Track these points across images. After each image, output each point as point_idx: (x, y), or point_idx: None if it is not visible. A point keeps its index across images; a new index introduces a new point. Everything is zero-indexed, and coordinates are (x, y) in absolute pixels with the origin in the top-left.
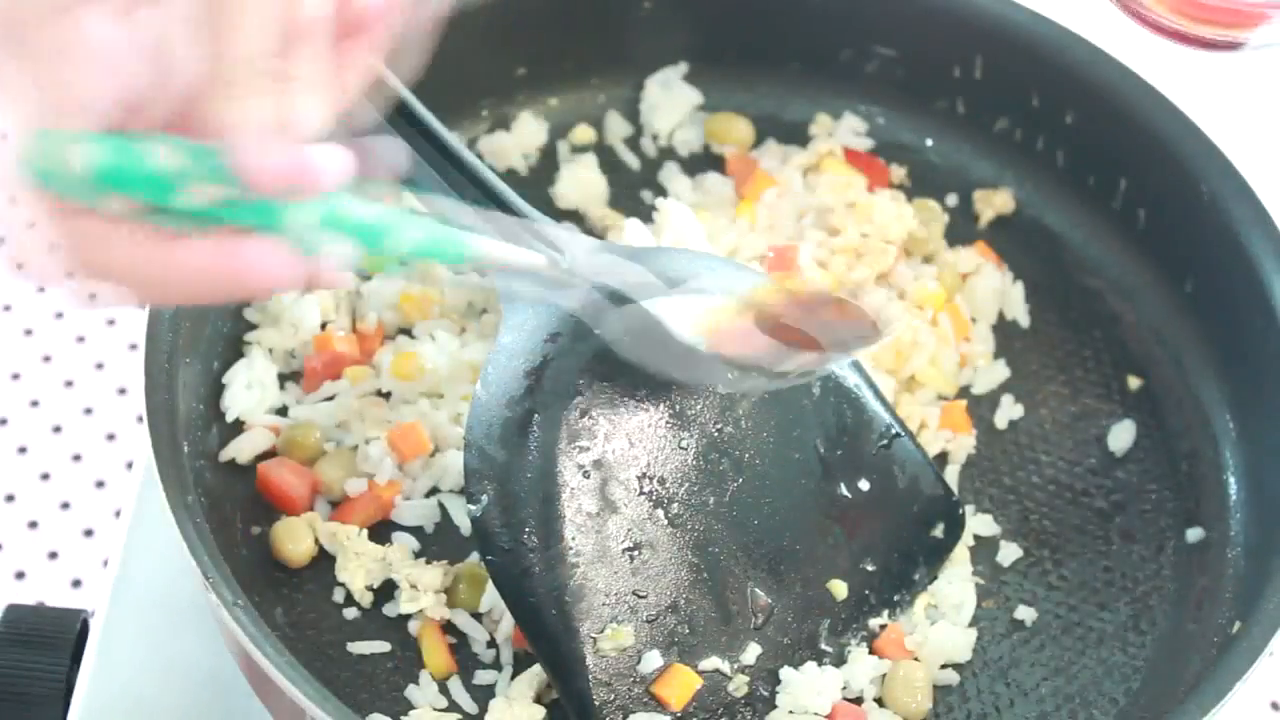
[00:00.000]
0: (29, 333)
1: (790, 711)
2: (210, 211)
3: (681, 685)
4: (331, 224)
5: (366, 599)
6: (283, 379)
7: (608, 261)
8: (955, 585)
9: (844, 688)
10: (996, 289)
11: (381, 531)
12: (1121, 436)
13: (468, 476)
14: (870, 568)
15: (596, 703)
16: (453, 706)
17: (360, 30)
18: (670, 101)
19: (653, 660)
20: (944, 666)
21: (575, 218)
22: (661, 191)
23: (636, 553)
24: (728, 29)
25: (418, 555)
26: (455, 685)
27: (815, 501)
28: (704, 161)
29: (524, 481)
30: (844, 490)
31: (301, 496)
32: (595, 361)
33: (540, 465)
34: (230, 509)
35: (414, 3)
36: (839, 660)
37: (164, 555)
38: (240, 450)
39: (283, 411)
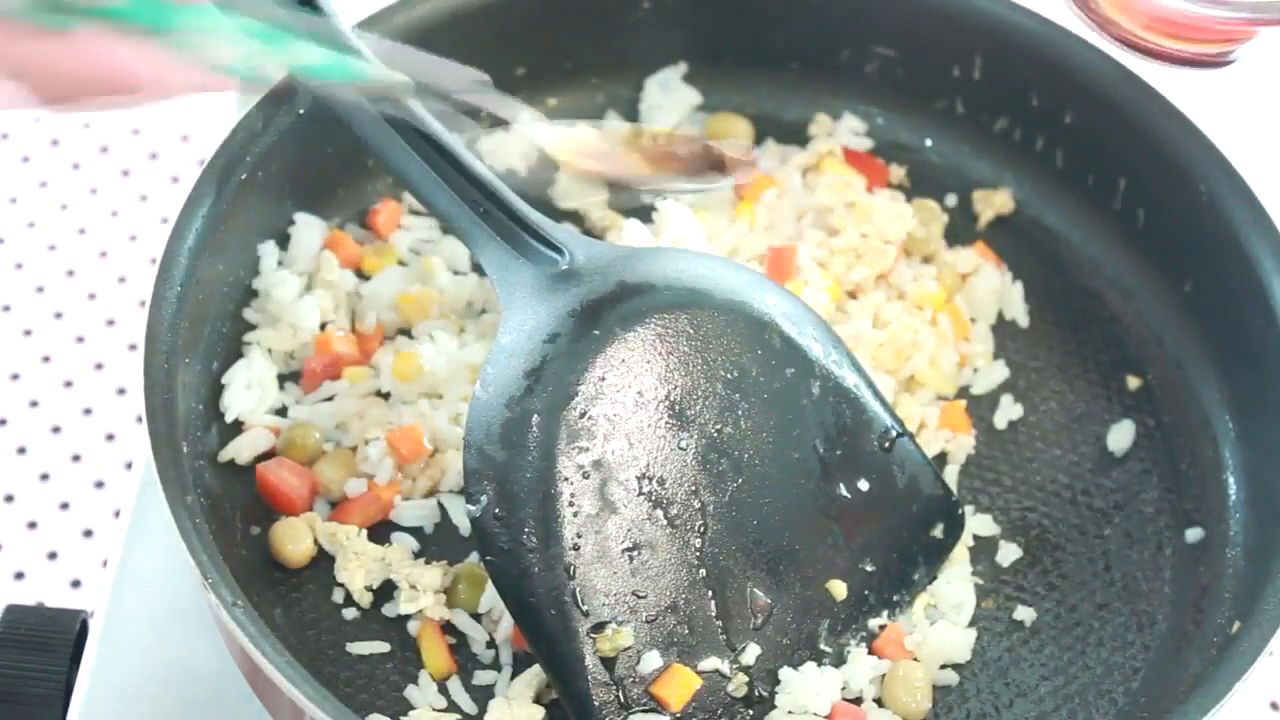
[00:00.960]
0: (28, 333)
1: (790, 712)
2: (98, 10)
3: (681, 686)
4: (222, 29)
5: (366, 599)
6: (282, 379)
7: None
8: (955, 585)
9: (843, 688)
10: (996, 289)
11: (381, 532)
12: (1121, 436)
13: (467, 477)
14: (870, 568)
15: (596, 703)
16: (452, 707)
17: None
18: (670, 101)
19: (652, 661)
20: (943, 666)
21: (575, 218)
22: (661, 192)
23: (636, 553)
24: (727, 29)
25: (417, 555)
26: (455, 685)
27: (814, 502)
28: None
29: (523, 482)
30: (843, 490)
31: (301, 497)
32: (594, 362)
33: (539, 466)
34: (230, 509)
35: None
36: (838, 660)
37: (164, 555)
38: (240, 450)
39: (282, 412)
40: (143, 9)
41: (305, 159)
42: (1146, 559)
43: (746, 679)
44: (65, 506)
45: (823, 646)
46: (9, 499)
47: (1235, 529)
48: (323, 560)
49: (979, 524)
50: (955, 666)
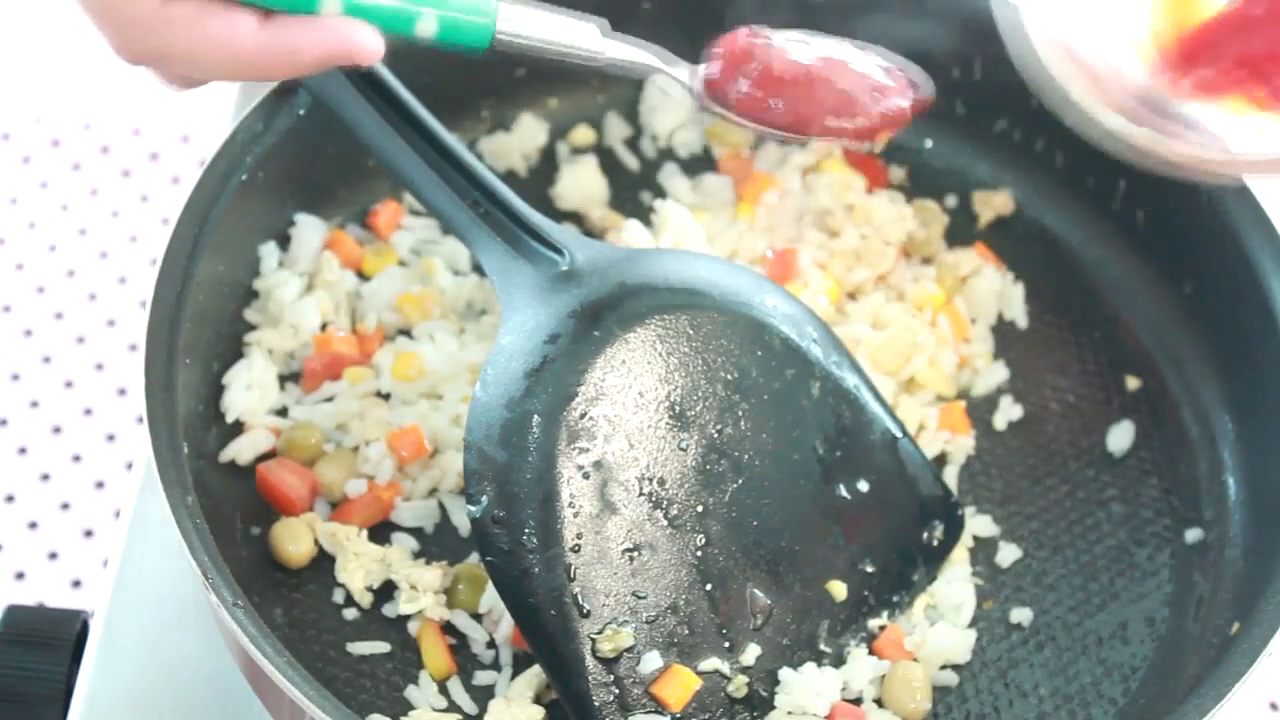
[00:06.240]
0: (29, 333)
1: (789, 712)
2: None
3: (681, 686)
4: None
5: (366, 599)
6: (283, 380)
7: None
8: (954, 586)
9: (843, 688)
10: (996, 290)
11: (381, 532)
12: (1120, 437)
13: (467, 477)
14: (869, 569)
15: (596, 703)
16: (452, 707)
17: None
18: (670, 102)
19: (652, 661)
20: (943, 667)
21: (575, 219)
22: (661, 193)
23: (636, 554)
24: (727, 29)
25: (417, 556)
26: (455, 686)
27: (814, 503)
28: (703, 163)
29: (523, 482)
30: (843, 491)
31: (301, 497)
32: (595, 363)
33: (540, 466)
34: (230, 509)
35: None
36: (838, 661)
37: (164, 556)
38: (240, 451)
39: (283, 412)
40: None
41: (305, 159)
42: (1146, 559)
43: (746, 679)
44: (66, 507)
45: (822, 647)
46: (9, 499)
47: (1235, 529)
48: (323, 560)
49: (979, 524)
50: (955, 667)
